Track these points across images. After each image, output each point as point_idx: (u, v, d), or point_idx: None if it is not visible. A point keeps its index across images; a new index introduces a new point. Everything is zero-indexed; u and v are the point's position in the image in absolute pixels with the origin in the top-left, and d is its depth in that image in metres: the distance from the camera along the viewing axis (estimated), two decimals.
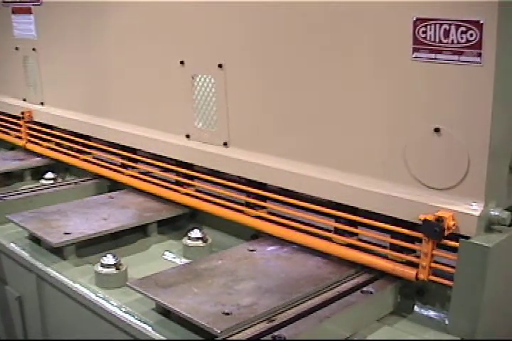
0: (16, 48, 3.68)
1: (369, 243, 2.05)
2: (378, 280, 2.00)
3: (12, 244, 2.58)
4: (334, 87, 2.00)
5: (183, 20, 2.46)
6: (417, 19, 1.72)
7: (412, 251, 1.93)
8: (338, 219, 2.12)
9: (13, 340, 3.15)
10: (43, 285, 2.43)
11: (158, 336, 1.86)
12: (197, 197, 2.58)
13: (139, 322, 1.93)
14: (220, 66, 2.32)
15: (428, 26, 1.70)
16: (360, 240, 2.09)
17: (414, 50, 1.74)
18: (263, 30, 2.16)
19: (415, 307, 1.99)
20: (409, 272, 1.88)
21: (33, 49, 3.52)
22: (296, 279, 2.01)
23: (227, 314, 1.77)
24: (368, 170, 1.97)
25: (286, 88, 2.15)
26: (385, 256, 2.00)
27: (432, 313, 1.95)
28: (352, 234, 2.10)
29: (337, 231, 2.13)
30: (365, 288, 1.95)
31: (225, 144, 2.40)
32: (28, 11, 3.44)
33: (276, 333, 1.69)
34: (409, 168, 1.85)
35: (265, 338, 1.67)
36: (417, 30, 1.73)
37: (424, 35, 1.72)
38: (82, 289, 2.18)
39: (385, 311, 1.98)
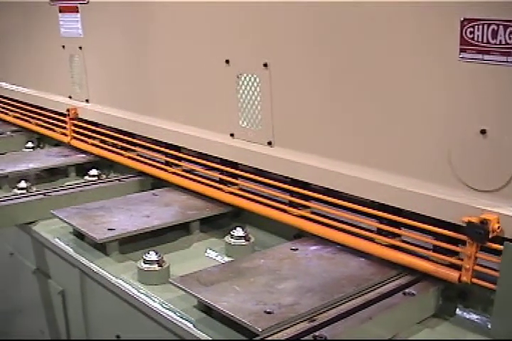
0: (63, 47, 3.72)
1: (412, 244, 2.04)
2: (420, 282, 1.98)
3: (56, 239, 2.61)
4: (380, 87, 1.99)
5: (228, 19, 2.47)
6: (465, 19, 1.70)
7: (455, 253, 1.91)
8: (381, 219, 2.10)
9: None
10: (86, 280, 2.47)
11: (199, 333, 1.87)
12: (240, 196, 2.58)
13: (180, 319, 1.95)
14: (265, 65, 2.32)
15: (475, 26, 1.69)
16: (402, 241, 2.08)
17: (461, 50, 1.73)
18: (309, 29, 2.16)
19: (457, 310, 1.97)
20: (452, 274, 1.86)
21: (80, 47, 3.56)
22: (338, 279, 2.00)
23: (269, 313, 1.77)
24: (413, 171, 1.95)
25: (331, 88, 2.14)
26: (427, 258, 1.98)
27: (474, 316, 1.93)
28: (395, 235, 2.09)
29: (380, 231, 2.12)
30: (407, 290, 1.93)
31: (270, 143, 2.40)
32: (75, 10, 3.48)
33: (317, 333, 1.68)
34: (455, 169, 1.84)
35: (306, 338, 1.66)
36: (464, 30, 1.71)
37: (471, 36, 1.70)
38: (124, 285, 2.19)
39: (427, 313, 1.96)
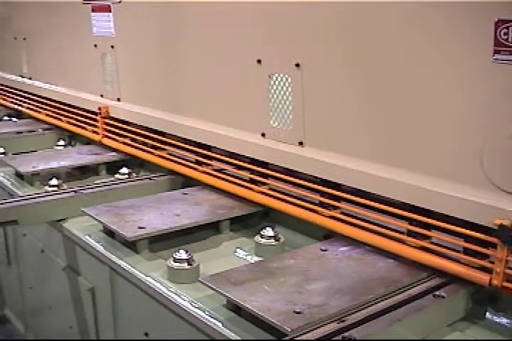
0: (95, 45, 3.74)
1: (442, 246, 2.03)
2: (450, 285, 1.97)
3: (87, 237, 2.63)
4: (412, 88, 1.98)
5: (261, 19, 2.47)
6: (499, 20, 1.69)
7: (485, 256, 1.90)
8: (411, 221, 2.10)
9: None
10: (116, 277, 2.49)
11: (228, 332, 1.87)
12: (270, 196, 2.58)
13: (209, 318, 1.95)
14: (297, 65, 2.32)
15: (510, 28, 1.67)
16: (432, 243, 2.07)
17: (495, 52, 1.71)
18: (341, 29, 2.16)
19: (487, 313, 1.95)
20: (483, 277, 1.85)
21: (112, 46, 3.58)
22: (368, 280, 2.00)
23: (298, 313, 1.77)
24: (444, 172, 1.94)
25: (363, 88, 2.13)
26: (457, 260, 1.97)
27: (504, 320, 1.92)
28: (425, 237, 2.08)
29: (410, 233, 2.11)
30: (437, 292, 1.92)
31: (301, 143, 2.40)
32: (108, 9, 3.50)
33: (346, 334, 1.67)
34: (486, 171, 1.82)
35: (335, 338, 1.66)
36: (498, 31, 1.70)
37: (505, 37, 1.69)
38: (154, 283, 2.21)
39: (457, 316, 1.95)
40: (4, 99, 5.37)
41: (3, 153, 3.82)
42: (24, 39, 4.88)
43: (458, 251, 1.98)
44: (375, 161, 2.15)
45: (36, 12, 4.62)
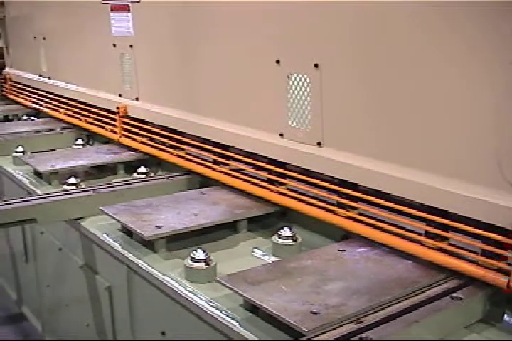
0: (114, 45, 3.76)
1: (460, 248, 2.02)
2: (468, 287, 1.96)
3: (104, 235, 2.65)
4: (433, 88, 1.97)
5: (280, 19, 2.47)
6: None
7: (504, 258, 1.89)
8: (429, 222, 2.09)
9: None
10: (133, 276, 2.49)
11: (244, 332, 1.87)
12: (288, 196, 2.58)
13: (226, 318, 1.95)
14: (316, 66, 2.32)
15: None
16: (450, 245, 2.06)
17: None
18: (361, 29, 2.15)
19: (505, 316, 1.94)
20: (501, 280, 1.83)
21: (130, 46, 3.59)
22: (385, 281, 2.00)
23: (315, 313, 1.77)
24: (463, 174, 1.93)
25: (383, 89, 2.13)
26: (475, 262, 1.96)
27: None
28: (443, 238, 2.07)
29: (428, 234, 2.11)
30: (454, 294, 1.91)
31: (319, 144, 2.39)
32: (127, 9, 3.51)
33: (363, 335, 1.67)
34: (504, 172, 1.81)
35: (352, 339, 1.65)
36: None
37: None
38: (171, 282, 2.21)
39: (474, 318, 1.94)
40: (24, 99, 5.40)
41: (22, 152, 3.83)
42: (43, 38, 4.91)
43: (476, 253, 1.97)
44: (393, 162, 2.14)
45: (56, 12, 4.65)
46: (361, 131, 2.25)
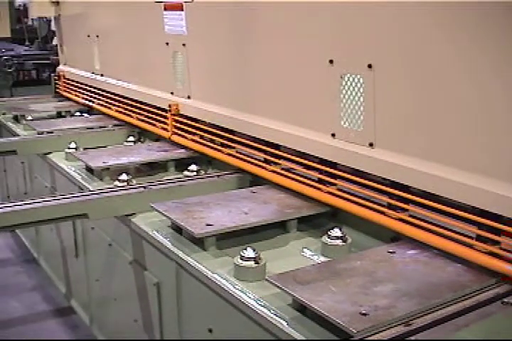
0: (167, 43, 3.78)
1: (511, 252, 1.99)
2: None
3: (155, 232, 2.66)
4: (490, 88, 1.94)
5: (334, 19, 2.46)
6: None
7: None
8: (480, 225, 2.06)
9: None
10: (182, 273, 2.51)
11: (292, 331, 1.87)
12: (338, 196, 2.57)
13: (274, 317, 1.95)
14: (369, 66, 2.31)
15: None
16: (502, 249, 2.03)
17: None
18: (414, 30, 2.14)
19: None
20: None
21: (183, 44, 3.61)
22: (435, 284, 1.98)
23: (364, 315, 1.76)
24: None
25: (436, 90, 2.11)
26: None
27: None
28: (494, 242, 2.05)
29: (479, 238, 2.08)
30: (505, 299, 1.89)
31: (371, 145, 2.38)
32: (180, 8, 3.53)
33: (412, 338, 1.67)
34: None
35: None
36: None
37: None
38: (220, 280, 2.22)
39: None
40: (76, 95, 5.47)
41: (74, 148, 3.88)
42: (97, 37, 4.97)
43: None
44: (446, 164, 2.12)
45: (109, 10, 4.70)
46: (413, 132, 2.23)
